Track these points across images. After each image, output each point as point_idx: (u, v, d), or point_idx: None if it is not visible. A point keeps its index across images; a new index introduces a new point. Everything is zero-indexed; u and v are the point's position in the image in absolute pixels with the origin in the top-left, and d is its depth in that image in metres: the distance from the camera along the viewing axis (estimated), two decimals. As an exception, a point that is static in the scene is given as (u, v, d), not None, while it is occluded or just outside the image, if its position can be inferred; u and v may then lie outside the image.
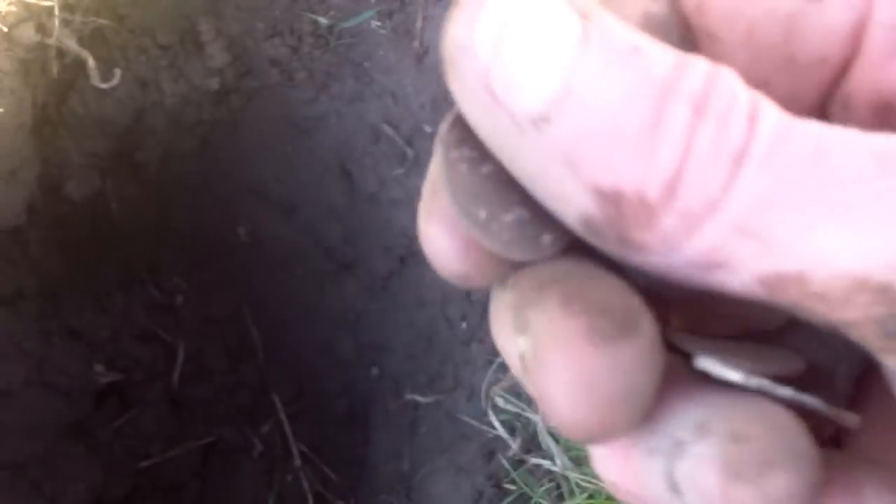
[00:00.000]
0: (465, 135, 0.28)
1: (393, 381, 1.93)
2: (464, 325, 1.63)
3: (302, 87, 1.67)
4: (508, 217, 0.28)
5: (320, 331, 2.10)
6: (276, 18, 1.63)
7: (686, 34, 0.30)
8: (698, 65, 0.25)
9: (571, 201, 0.26)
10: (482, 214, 0.28)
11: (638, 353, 0.25)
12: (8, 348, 2.00)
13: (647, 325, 0.25)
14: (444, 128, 0.28)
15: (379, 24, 1.57)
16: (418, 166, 1.60)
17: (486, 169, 0.28)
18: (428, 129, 1.56)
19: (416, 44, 1.55)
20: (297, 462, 2.17)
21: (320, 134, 1.72)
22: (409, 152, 1.61)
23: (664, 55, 0.25)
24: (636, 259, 0.26)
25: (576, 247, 0.28)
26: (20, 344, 2.01)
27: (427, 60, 1.55)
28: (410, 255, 1.77)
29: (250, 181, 1.94)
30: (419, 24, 1.54)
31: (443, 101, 1.53)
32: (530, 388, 0.26)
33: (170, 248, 2.18)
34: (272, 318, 2.18)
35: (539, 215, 0.28)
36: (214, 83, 1.70)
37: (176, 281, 2.20)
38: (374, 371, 2.00)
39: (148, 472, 2.13)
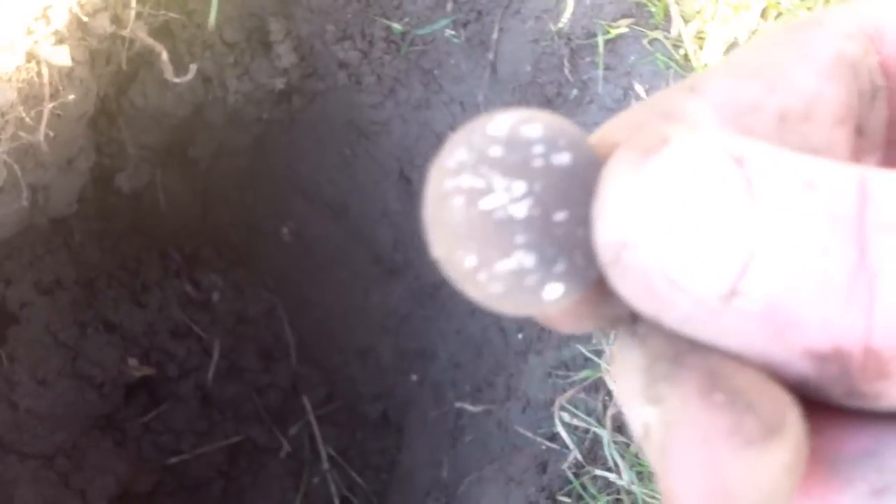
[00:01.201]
0: (470, 159, 0.25)
1: (433, 388, 1.93)
2: (520, 335, 1.64)
3: (368, 92, 1.68)
4: (504, 265, 0.25)
5: (359, 334, 2.10)
6: (348, 22, 1.63)
7: (878, 77, 0.28)
8: (883, 182, 0.22)
9: (784, 368, 0.23)
10: (470, 261, 0.25)
11: (784, 458, 0.22)
12: (44, 338, 1.99)
13: (795, 424, 0.22)
14: (441, 152, 0.25)
15: (453, 33, 1.58)
16: (484, 176, 1.61)
17: (487, 204, 0.25)
18: (497, 139, 1.57)
19: (490, 55, 1.56)
20: (325, 465, 2.17)
21: (382, 138, 1.73)
22: (476, 162, 1.61)
23: (842, 181, 0.22)
24: (865, 405, 0.23)
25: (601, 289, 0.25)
26: (56, 334, 2.01)
27: (500, 71, 1.56)
28: (465, 263, 1.76)
29: (302, 181, 1.94)
30: (495, 35, 1.55)
31: (515, 112, 1.54)
32: (651, 461, 0.24)
33: (210, 244, 2.18)
34: (309, 319, 2.18)
35: (550, 260, 0.25)
36: (280, 83, 1.71)
37: (213, 278, 2.19)
38: (413, 377, 2.00)
39: (174, 468, 2.13)
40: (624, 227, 0.23)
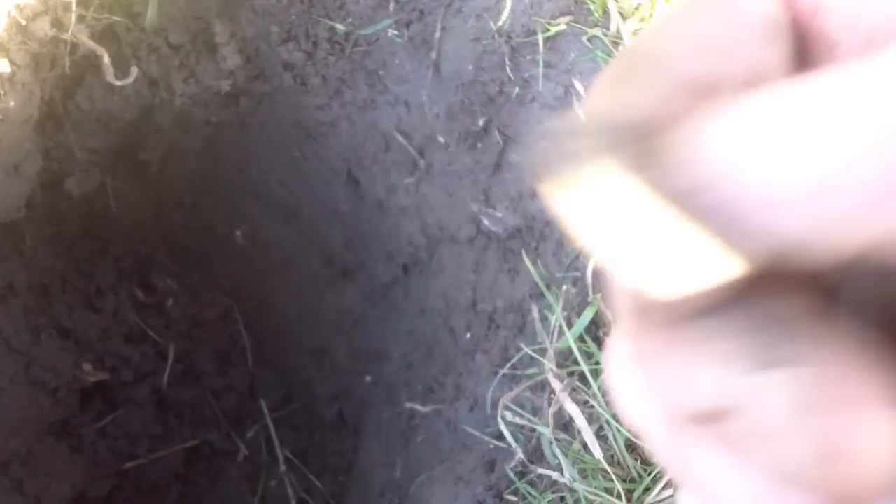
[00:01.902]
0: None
1: (387, 389, 1.93)
2: (468, 335, 1.64)
3: (314, 93, 1.67)
4: None
5: (314, 336, 2.10)
6: (292, 23, 1.63)
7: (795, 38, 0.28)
8: None
9: None
10: None
11: None
12: (-4, 343, 1.98)
13: None
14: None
15: (396, 33, 1.58)
16: (429, 175, 1.61)
17: None
18: (441, 139, 1.57)
19: (433, 54, 1.56)
20: (282, 468, 2.16)
21: (330, 140, 1.73)
22: (421, 161, 1.62)
23: None
24: None
25: None
26: (8, 340, 1.99)
27: (443, 70, 1.56)
28: (414, 263, 1.77)
29: (253, 184, 1.94)
30: (437, 34, 1.55)
31: (458, 111, 1.54)
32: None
33: (164, 248, 2.17)
34: (265, 322, 2.17)
35: None
36: (225, 85, 1.70)
37: (168, 282, 2.18)
38: (368, 378, 2.00)
39: (130, 473, 2.12)
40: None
